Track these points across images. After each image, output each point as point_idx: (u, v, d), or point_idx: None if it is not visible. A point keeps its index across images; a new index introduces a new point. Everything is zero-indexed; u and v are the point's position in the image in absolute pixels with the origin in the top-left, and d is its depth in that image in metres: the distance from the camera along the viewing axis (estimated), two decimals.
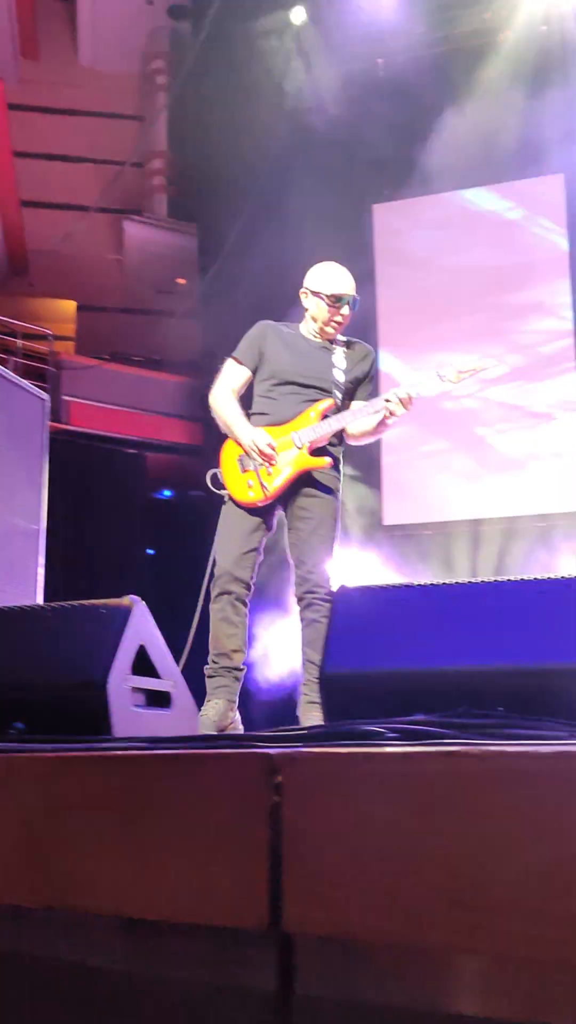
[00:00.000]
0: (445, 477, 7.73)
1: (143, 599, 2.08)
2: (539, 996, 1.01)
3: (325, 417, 3.49)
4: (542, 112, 7.13)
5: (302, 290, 3.61)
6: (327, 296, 3.54)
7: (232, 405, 3.53)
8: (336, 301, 3.54)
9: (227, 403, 3.54)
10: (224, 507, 3.49)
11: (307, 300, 3.59)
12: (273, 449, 3.41)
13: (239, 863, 1.15)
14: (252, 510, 3.44)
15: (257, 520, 3.45)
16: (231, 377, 3.59)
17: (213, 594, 3.39)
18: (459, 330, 7.71)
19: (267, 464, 3.41)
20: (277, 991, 1.16)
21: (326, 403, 3.51)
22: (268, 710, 5.62)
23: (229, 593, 3.36)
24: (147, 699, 2.10)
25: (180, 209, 13.10)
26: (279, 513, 3.52)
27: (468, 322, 7.76)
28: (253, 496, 3.43)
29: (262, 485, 3.42)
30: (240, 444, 3.47)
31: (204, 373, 7.26)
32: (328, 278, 3.58)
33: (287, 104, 8.14)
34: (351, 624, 1.94)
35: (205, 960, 1.21)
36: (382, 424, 3.50)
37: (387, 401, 3.40)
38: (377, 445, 7.31)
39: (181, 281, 12.60)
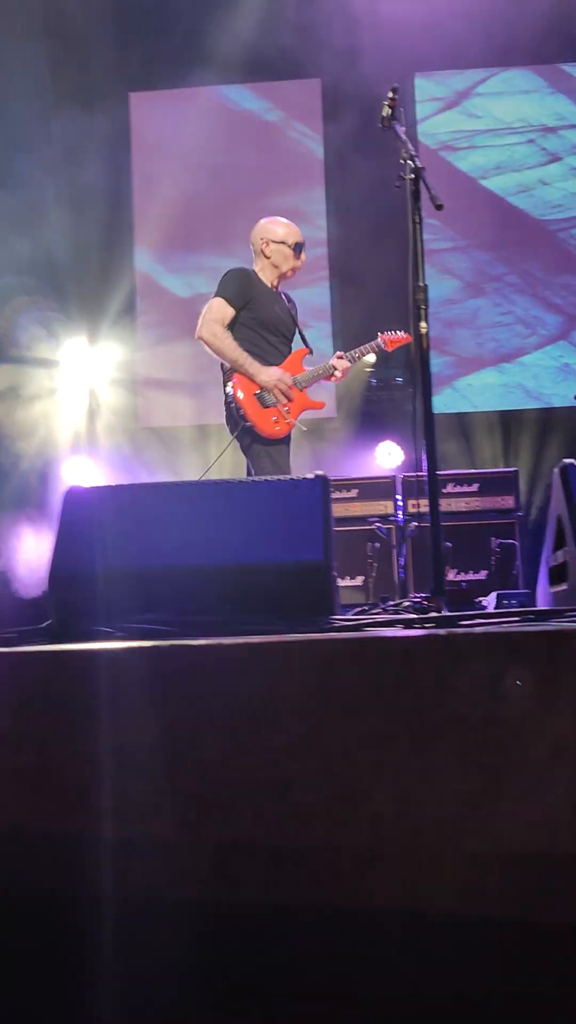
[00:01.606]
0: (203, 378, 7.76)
1: None
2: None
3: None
4: (303, 13, 7.09)
5: (261, 241, 3.96)
6: (291, 245, 3.96)
7: (236, 344, 3.81)
8: (299, 249, 3.99)
9: (230, 341, 3.81)
10: (255, 445, 3.80)
11: (270, 249, 3.95)
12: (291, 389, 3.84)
13: None
14: (273, 441, 3.81)
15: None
16: (221, 316, 3.84)
17: None
18: (216, 232, 7.66)
19: (286, 401, 3.81)
20: None
21: (307, 353, 4.02)
22: None
23: None
24: None
25: None
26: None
27: (226, 226, 7.72)
28: (279, 430, 3.83)
29: (285, 420, 3.82)
30: (257, 381, 3.80)
31: None
32: (287, 229, 3.99)
33: None
34: (81, 525, 1.94)
35: None
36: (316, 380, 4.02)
37: (334, 368, 3.98)
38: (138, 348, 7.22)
39: None
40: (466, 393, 7.83)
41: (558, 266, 7.84)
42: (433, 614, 1.94)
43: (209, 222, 7.73)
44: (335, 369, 3.98)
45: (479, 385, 7.81)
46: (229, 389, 3.83)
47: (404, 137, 2.77)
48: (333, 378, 4.02)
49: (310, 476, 1.95)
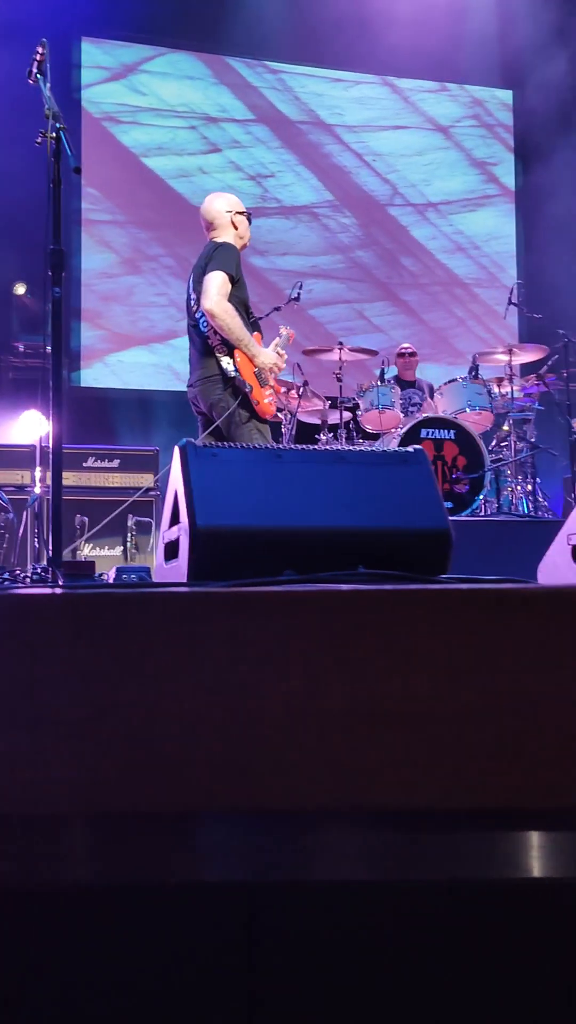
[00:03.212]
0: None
1: None
2: None
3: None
4: None
5: (229, 215, 3.96)
6: (247, 215, 4.04)
7: (242, 322, 3.79)
8: (250, 218, 4.07)
9: (240, 319, 3.79)
10: (252, 421, 3.80)
11: (239, 220, 3.98)
12: None
13: None
14: (263, 420, 3.87)
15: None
16: (227, 291, 3.77)
17: None
18: None
19: (273, 384, 3.91)
20: None
21: (261, 336, 4.05)
22: None
23: None
24: None
25: None
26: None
27: None
28: (272, 410, 3.93)
29: (275, 401, 3.96)
30: (257, 361, 3.83)
31: None
32: (237, 199, 4.09)
33: None
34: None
35: None
36: None
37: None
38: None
39: None
40: (117, 369, 7.83)
41: None
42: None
43: None
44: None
45: (130, 362, 7.84)
46: (228, 364, 3.82)
47: (48, 94, 2.69)
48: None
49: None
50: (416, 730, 1.18)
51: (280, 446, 1.85)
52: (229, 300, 3.79)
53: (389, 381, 5.82)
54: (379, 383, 5.67)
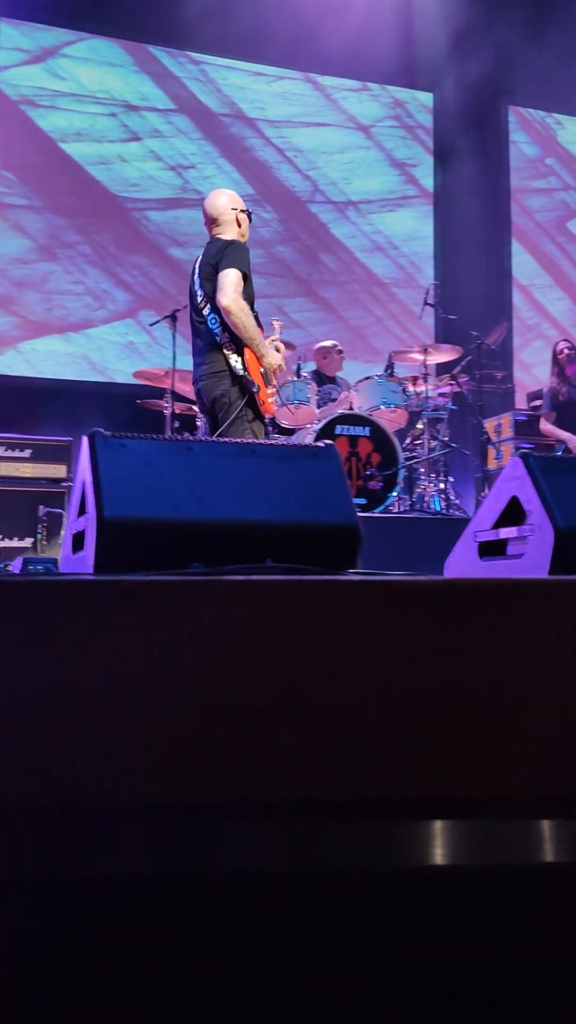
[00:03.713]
0: None
1: None
2: None
3: None
4: None
5: (234, 212, 3.98)
6: (248, 214, 4.06)
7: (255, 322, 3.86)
8: (251, 216, 4.10)
9: (252, 317, 3.87)
10: (255, 421, 3.86)
11: (242, 217, 3.99)
12: None
13: None
14: (263, 418, 3.95)
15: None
16: (241, 289, 3.82)
17: None
18: None
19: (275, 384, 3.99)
20: None
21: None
22: None
23: None
24: None
25: None
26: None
27: None
28: (274, 408, 4.04)
29: (276, 401, 4.05)
30: (264, 361, 3.93)
31: None
32: (239, 197, 4.09)
33: None
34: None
35: None
36: None
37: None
38: None
39: None
40: (31, 357, 7.68)
41: (130, 245, 7.96)
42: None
43: None
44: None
45: (44, 351, 7.70)
46: (237, 362, 3.86)
47: None
48: None
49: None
50: (318, 721, 1.19)
51: (192, 438, 1.83)
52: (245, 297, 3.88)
53: (305, 376, 5.84)
54: (295, 378, 5.68)
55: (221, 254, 3.89)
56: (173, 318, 5.15)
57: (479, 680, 1.23)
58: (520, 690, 1.24)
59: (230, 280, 3.78)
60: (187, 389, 4.95)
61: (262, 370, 3.95)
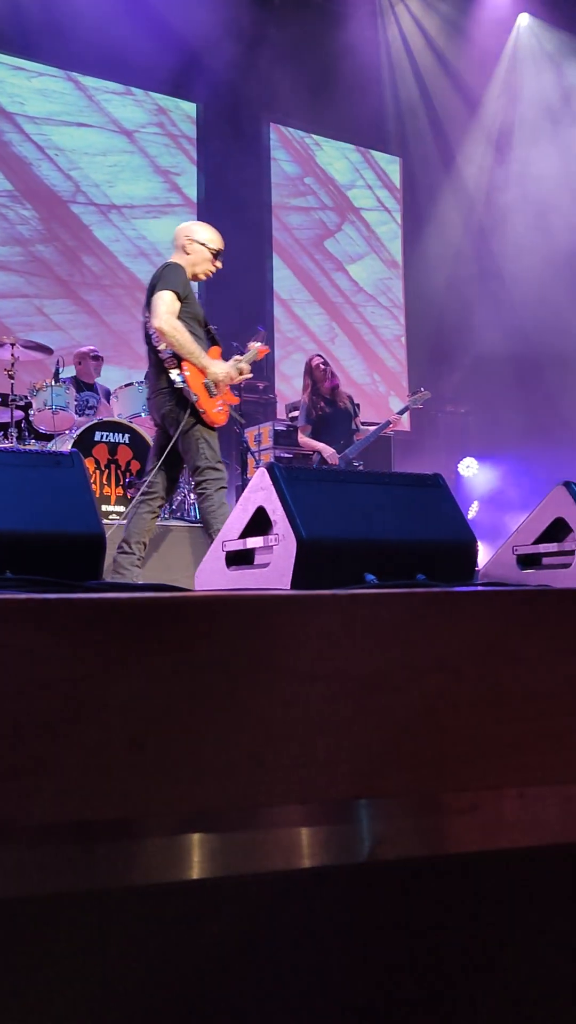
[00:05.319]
0: None
1: None
2: None
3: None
4: None
5: (185, 238, 4.20)
6: (212, 250, 4.22)
7: (191, 337, 4.03)
8: (218, 256, 4.25)
9: (188, 334, 4.02)
10: (197, 428, 4.03)
11: (192, 247, 4.19)
12: None
13: None
14: (212, 428, 4.08)
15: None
16: (175, 308, 4.02)
17: (215, 488, 4.00)
18: None
19: (225, 394, 4.12)
20: None
21: (220, 350, 4.30)
22: None
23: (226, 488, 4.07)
24: None
25: None
26: None
27: None
28: (222, 419, 4.12)
29: (225, 410, 4.14)
30: (209, 373, 4.06)
31: None
32: (212, 234, 4.26)
33: None
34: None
35: None
36: None
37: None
38: None
39: None
40: None
41: None
42: None
43: None
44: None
45: None
46: (177, 375, 3.96)
47: None
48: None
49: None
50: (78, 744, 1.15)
51: None
52: (180, 316, 4.04)
53: (65, 382, 5.71)
54: (53, 383, 5.54)
55: (158, 276, 4.13)
56: None
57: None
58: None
59: (164, 301, 4.01)
60: None
61: (205, 381, 4.08)
